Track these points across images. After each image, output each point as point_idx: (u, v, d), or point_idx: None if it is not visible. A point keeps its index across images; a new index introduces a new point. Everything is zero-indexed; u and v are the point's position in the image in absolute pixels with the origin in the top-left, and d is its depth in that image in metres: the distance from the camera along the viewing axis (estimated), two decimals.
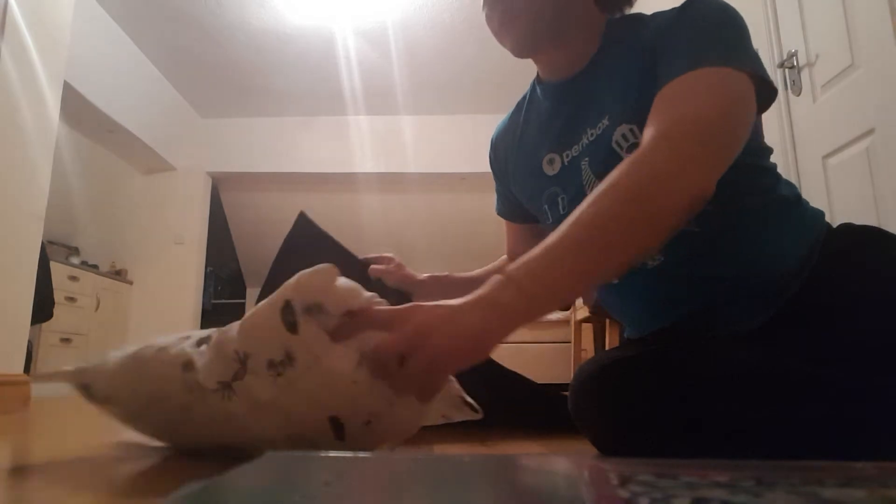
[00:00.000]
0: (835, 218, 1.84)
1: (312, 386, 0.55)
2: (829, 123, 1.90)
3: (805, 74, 2.03)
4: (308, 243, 1.10)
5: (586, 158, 0.79)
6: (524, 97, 0.94)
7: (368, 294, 0.59)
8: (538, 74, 0.90)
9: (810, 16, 2.01)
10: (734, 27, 0.70)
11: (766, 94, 0.69)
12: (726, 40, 0.68)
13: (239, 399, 0.57)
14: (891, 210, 1.64)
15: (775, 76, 2.17)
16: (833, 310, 0.66)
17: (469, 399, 0.66)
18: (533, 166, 0.87)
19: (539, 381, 1.20)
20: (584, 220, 0.57)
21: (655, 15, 0.78)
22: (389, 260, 1.07)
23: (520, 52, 0.82)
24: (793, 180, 2.05)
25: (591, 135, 0.78)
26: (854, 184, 1.78)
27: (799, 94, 2.06)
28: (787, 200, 0.77)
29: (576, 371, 0.72)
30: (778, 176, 0.80)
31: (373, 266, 1.05)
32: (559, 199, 0.84)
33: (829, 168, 1.91)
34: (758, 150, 0.77)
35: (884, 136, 1.68)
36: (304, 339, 0.54)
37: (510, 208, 1.02)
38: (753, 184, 0.75)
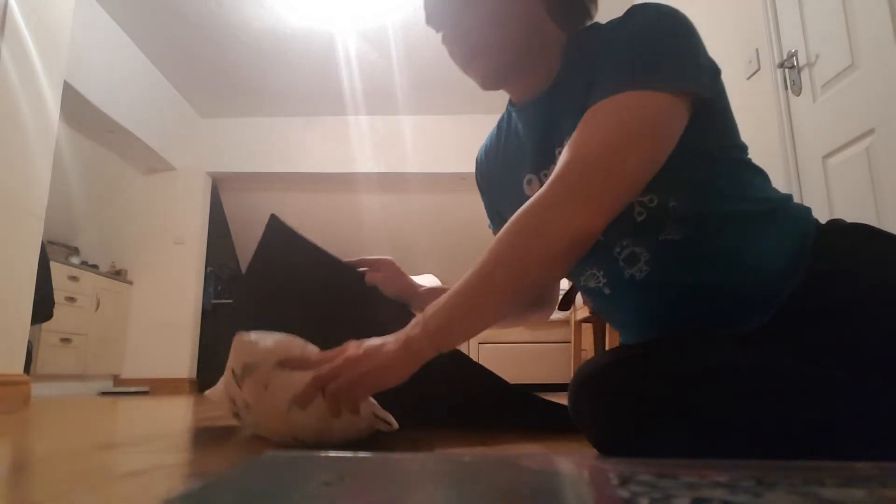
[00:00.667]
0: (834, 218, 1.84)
1: (265, 419, 0.77)
2: (829, 123, 1.90)
3: (805, 74, 2.03)
4: (283, 249, 1.02)
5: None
6: (502, 117, 0.94)
7: (300, 342, 0.75)
8: (509, 98, 0.89)
9: (810, 16, 2.01)
10: (669, 39, 0.69)
11: (710, 94, 0.69)
12: (654, 58, 0.68)
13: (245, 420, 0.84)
14: (891, 210, 1.64)
15: (775, 76, 2.17)
16: (829, 312, 0.66)
17: (381, 415, 0.78)
18: (515, 189, 0.87)
19: (539, 382, 1.20)
20: (479, 264, 0.66)
21: (607, 25, 0.78)
22: (389, 265, 1.04)
23: (488, 87, 0.82)
24: (793, 180, 2.06)
25: (559, 153, 0.78)
26: (854, 184, 1.78)
27: (799, 94, 2.06)
28: (769, 200, 0.77)
29: (575, 371, 0.72)
30: (756, 171, 0.79)
31: (369, 273, 1.01)
32: None
33: (829, 168, 1.91)
34: (732, 148, 0.77)
35: (884, 136, 1.68)
36: (246, 391, 0.76)
37: (502, 224, 1.02)
38: (732, 184, 0.75)
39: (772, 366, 0.63)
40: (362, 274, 1.02)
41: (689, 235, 0.73)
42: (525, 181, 0.85)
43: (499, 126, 0.95)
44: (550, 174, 0.76)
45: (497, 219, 1.00)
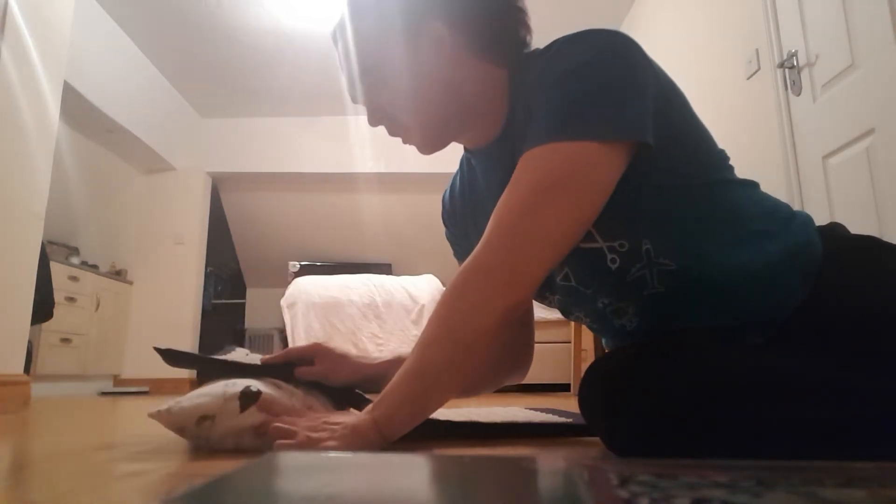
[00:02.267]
0: (835, 218, 1.84)
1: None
2: (829, 123, 1.90)
3: (805, 74, 2.03)
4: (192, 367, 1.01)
5: None
6: (462, 161, 0.91)
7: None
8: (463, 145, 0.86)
9: (810, 16, 2.01)
10: (602, 80, 0.64)
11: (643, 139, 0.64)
12: (584, 104, 0.64)
13: None
14: (891, 210, 1.64)
15: (775, 76, 2.17)
16: (835, 323, 0.66)
17: None
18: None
19: (539, 382, 1.20)
20: (416, 347, 0.68)
21: (543, 53, 0.73)
22: (326, 353, 0.90)
23: (430, 153, 0.80)
24: (793, 180, 2.06)
25: None
26: (854, 184, 1.78)
27: (799, 94, 2.06)
28: (762, 218, 0.72)
29: (586, 370, 0.72)
30: (741, 185, 0.74)
31: (303, 370, 0.88)
32: None
33: (829, 168, 1.91)
34: (705, 170, 0.71)
35: (884, 136, 1.68)
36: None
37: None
38: (714, 211, 0.70)
39: (781, 365, 0.62)
40: (290, 370, 0.90)
41: (674, 286, 0.69)
42: None
43: (460, 170, 0.92)
44: None
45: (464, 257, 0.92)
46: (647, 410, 0.62)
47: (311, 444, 0.65)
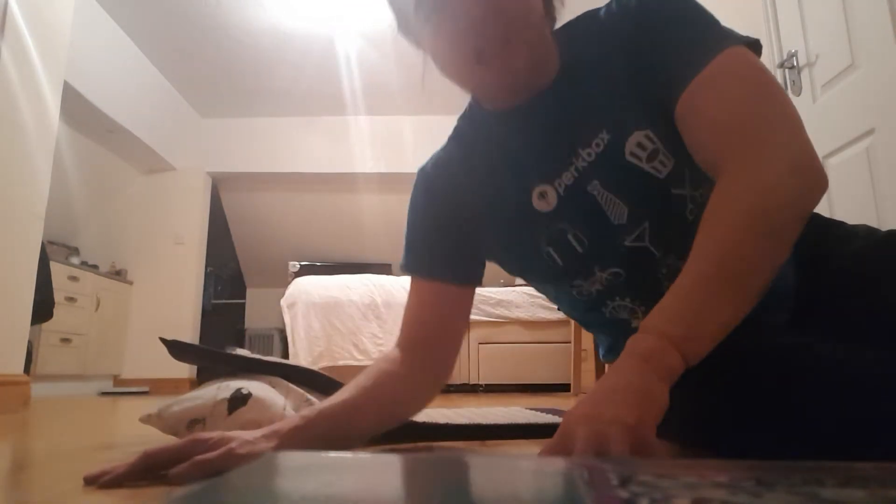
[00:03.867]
0: (835, 218, 1.84)
1: None
2: (829, 123, 1.90)
3: (805, 74, 2.03)
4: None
5: (595, 180, 0.69)
6: (459, 129, 0.81)
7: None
8: (475, 105, 0.78)
9: (810, 16, 2.01)
10: (703, 9, 0.66)
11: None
12: (715, 25, 0.64)
13: None
14: (891, 210, 1.64)
15: (775, 76, 2.17)
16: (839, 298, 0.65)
17: None
18: (518, 207, 0.73)
19: (539, 382, 1.20)
20: (712, 272, 0.53)
21: (608, 8, 0.70)
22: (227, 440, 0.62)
23: (509, 81, 0.67)
24: None
25: (590, 154, 0.68)
26: (854, 184, 1.78)
27: (799, 94, 2.06)
28: None
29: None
30: None
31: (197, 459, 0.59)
32: (571, 237, 0.71)
33: (829, 168, 1.91)
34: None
35: (884, 136, 1.68)
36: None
37: (446, 263, 0.78)
38: None
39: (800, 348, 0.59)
40: (293, 368, 0.92)
41: None
42: (536, 194, 0.72)
43: (457, 140, 0.81)
44: (567, 181, 0.70)
45: (437, 254, 0.79)
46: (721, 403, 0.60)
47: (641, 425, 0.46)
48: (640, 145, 0.66)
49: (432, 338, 0.78)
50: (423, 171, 0.83)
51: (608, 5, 0.71)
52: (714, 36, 0.63)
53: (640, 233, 0.70)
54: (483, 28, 0.61)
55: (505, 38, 0.62)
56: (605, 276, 0.72)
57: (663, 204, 0.68)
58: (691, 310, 0.52)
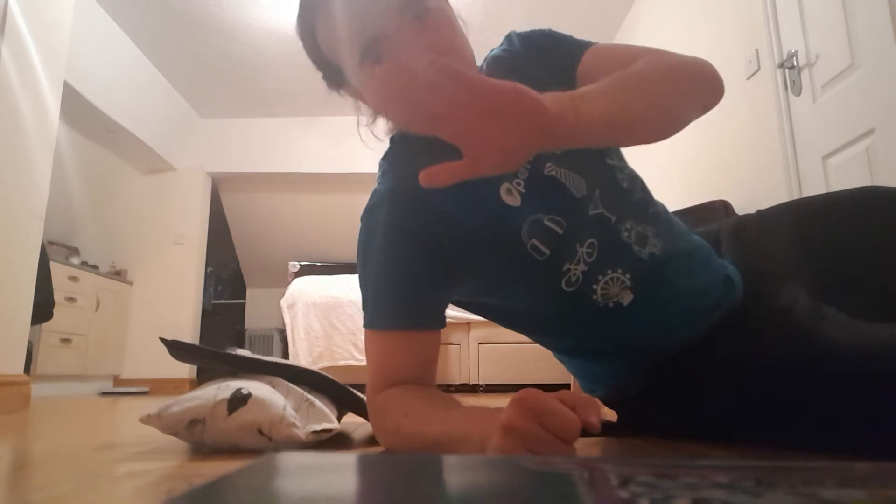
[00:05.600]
0: None
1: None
2: (829, 123, 1.90)
3: (805, 74, 2.03)
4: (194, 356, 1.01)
5: (548, 163, 0.73)
6: (394, 166, 0.80)
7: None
8: (399, 141, 0.83)
9: (810, 16, 2.01)
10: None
11: None
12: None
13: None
14: None
15: (775, 76, 2.17)
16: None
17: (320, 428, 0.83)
18: (490, 210, 0.73)
19: (539, 382, 1.20)
20: (622, 75, 0.63)
21: (507, 48, 0.85)
22: None
23: None
24: (793, 180, 2.06)
25: None
26: (854, 184, 1.78)
27: (799, 94, 2.06)
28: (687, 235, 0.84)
29: None
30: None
31: None
32: (548, 222, 0.73)
33: (829, 168, 1.91)
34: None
35: (884, 136, 1.68)
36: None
37: (417, 306, 0.73)
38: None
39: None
40: (292, 368, 0.94)
41: (666, 217, 0.83)
42: (504, 191, 0.73)
43: (394, 174, 0.78)
44: (523, 176, 0.74)
45: (409, 299, 0.72)
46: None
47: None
48: None
49: (413, 379, 0.73)
50: (370, 213, 0.75)
51: (504, 47, 0.84)
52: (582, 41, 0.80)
53: (595, 201, 0.75)
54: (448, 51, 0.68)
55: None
56: (584, 249, 0.74)
57: (603, 173, 0.77)
58: (594, 88, 0.59)
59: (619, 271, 0.75)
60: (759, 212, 0.94)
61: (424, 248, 0.72)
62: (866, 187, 0.88)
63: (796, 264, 0.80)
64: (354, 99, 0.81)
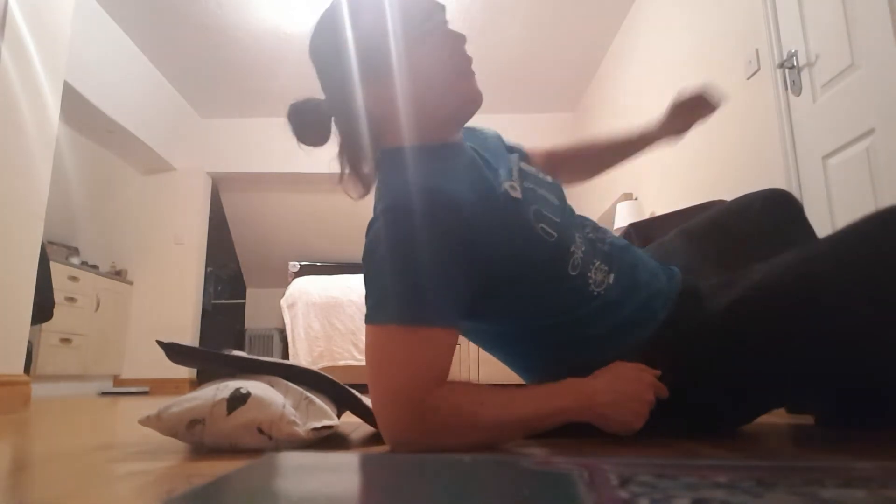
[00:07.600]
0: (835, 218, 1.84)
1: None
2: (829, 123, 1.90)
3: (805, 74, 2.03)
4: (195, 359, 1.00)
5: (514, 165, 0.91)
6: (455, 155, 0.86)
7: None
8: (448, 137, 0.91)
9: (810, 16, 2.01)
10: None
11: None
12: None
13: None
14: None
15: (775, 76, 2.17)
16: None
17: (319, 425, 0.84)
18: (506, 203, 0.81)
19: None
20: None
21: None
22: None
23: (476, 108, 0.89)
24: (793, 180, 2.06)
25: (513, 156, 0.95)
26: (854, 184, 1.78)
27: (799, 94, 2.06)
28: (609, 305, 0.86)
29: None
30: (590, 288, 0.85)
31: None
32: (546, 212, 0.84)
33: (829, 168, 1.91)
34: (560, 308, 0.84)
35: (884, 136, 1.68)
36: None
37: (465, 303, 0.77)
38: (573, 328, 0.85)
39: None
40: (291, 368, 0.94)
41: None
42: (508, 187, 0.84)
43: (459, 165, 0.84)
44: (516, 174, 0.90)
45: (464, 296, 0.75)
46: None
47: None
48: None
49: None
50: (445, 193, 0.74)
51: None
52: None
53: (567, 208, 0.92)
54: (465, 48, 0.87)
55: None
56: (579, 236, 0.86)
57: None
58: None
59: (597, 263, 0.86)
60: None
61: (467, 246, 0.74)
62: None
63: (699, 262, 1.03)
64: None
